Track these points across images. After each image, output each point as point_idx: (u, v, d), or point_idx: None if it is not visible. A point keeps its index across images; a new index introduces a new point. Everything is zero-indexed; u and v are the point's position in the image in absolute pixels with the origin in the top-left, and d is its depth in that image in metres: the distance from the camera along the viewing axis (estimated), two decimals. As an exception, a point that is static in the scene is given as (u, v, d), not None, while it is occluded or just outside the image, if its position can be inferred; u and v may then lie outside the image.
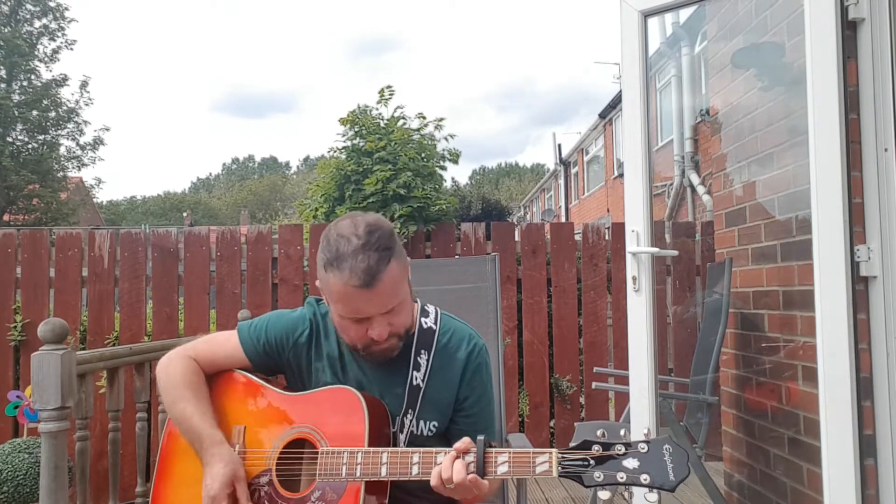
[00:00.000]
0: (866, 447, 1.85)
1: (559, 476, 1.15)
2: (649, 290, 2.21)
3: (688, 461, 1.12)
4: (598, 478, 1.13)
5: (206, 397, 1.43)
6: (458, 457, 1.21)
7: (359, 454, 1.28)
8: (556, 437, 3.99)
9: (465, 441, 1.23)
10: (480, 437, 1.22)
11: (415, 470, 1.25)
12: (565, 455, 1.16)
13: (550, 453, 1.17)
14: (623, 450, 1.13)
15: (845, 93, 1.86)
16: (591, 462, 1.14)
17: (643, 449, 1.13)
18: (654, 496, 1.12)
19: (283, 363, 1.49)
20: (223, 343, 1.50)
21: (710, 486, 2.57)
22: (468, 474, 1.19)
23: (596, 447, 1.15)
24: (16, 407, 2.96)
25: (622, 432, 1.15)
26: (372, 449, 1.29)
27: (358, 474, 1.27)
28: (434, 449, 1.26)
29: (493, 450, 1.21)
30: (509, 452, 1.20)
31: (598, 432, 1.17)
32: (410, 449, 1.28)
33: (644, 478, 1.11)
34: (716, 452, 3.01)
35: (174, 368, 1.44)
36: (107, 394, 2.27)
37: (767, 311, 2.46)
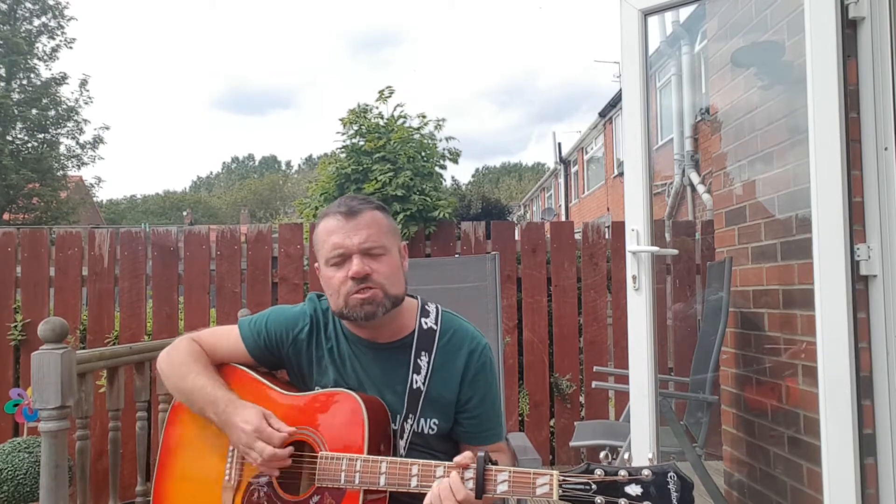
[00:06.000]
0: (866, 446, 1.85)
1: (559, 499, 1.13)
2: (649, 289, 2.21)
3: (692, 490, 1.10)
4: (600, 503, 1.11)
5: (214, 370, 1.44)
6: (459, 477, 1.19)
7: (358, 462, 1.28)
8: (555, 436, 3.99)
9: (465, 456, 1.21)
10: (481, 454, 1.20)
11: (413, 482, 1.24)
12: (567, 478, 1.13)
13: (552, 475, 1.14)
14: (626, 475, 1.11)
15: (845, 91, 1.86)
16: (593, 487, 1.12)
17: (647, 475, 1.10)
18: None
19: (283, 358, 1.49)
20: (225, 335, 1.50)
21: (710, 486, 2.58)
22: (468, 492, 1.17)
23: (598, 472, 1.12)
24: (15, 405, 2.96)
25: (626, 455, 1.13)
26: (371, 457, 1.28)
27: (356, 482, 1.27)
28: (434, 462, 1.25)
29: (494, 468, 1.19)
30: (509, 471, 1.18)
31: (602, 455, 1.15)
32: (409, 460, 1.26)
33: None
34: (716, 451, 3.01)
35: (179, 350, 1.46)
36: (107, 393, 2.27)
37: (767, 310, 2.46)
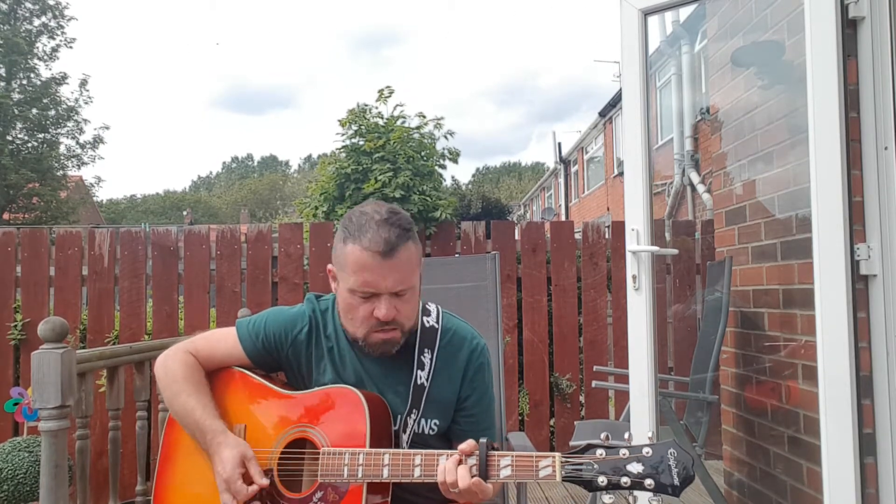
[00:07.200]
0: (866, 446, 1.85)
1: (562, 480, 1.14)
2: (649, 288, 2.21)
3: (692, 465, 1.11)
4: (602, 482, 1.11)
5: (207, 391, 1.43)
6: (461, 460, 1.21)
7: (360, 455, 1.28)
8: (555, 435, 3.99)
9: (468, 443, 1.22)
10: (483, 440, 1.21)
11: (417, 472, 1.25)
12: (569, 459, 1.14)
13: (554, 457, 1.15)
14: (627, 454, 1.12)
15: (845, 91, 1.86)
16: (595, 466, 1.12)
17: (647, 453, 1.11)
18: (658, 501, 1.11)
19: (282, 360, 1.48)
20: (222, 339, 1.49)
21: (710, 485, 2.58)
22: (472, 478, 1.18)
23: (600, 451, 1.13)
24: (15, 404, 2.96)
25: (626, 435, 1.14)
26: (374, 450, 1.28)
27: (359, 475, 1.27)
28: (436, 451, 1.25)
29: (497, 453, 1.20)
30: (512, 456, 1.19)
31: (602, 435, 1.16)
32: (412, 451, 1.27)
33: (648, 483, 1.09)
34: (716, 451, 3.01)
35: (173, 364, 1.44)
36: (107, 392, 2.27)
37: (767, 309, 2.46)
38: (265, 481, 1.30)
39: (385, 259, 1.28)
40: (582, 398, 4.03)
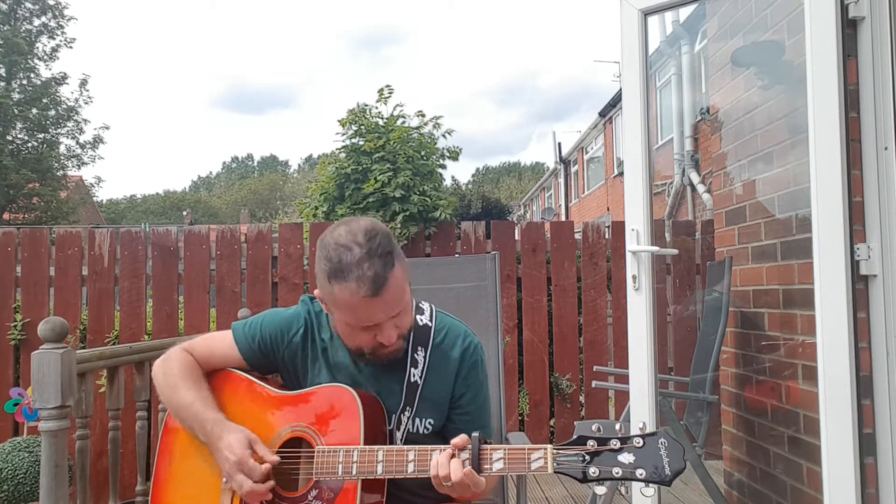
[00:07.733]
0: (866, 446, 1.85)
1: (554, 472, 1.15)
2: (649, 288, 2.21)
3: (683, 455, 1.12)
4: (594, 473, 1.13)
5: (206, 386, 1.43)
6: (453, 454, 1.22)
7: (354, 452, 1.28)
8: (555, 435, 3.99)
9: (460, 437, 1.23)
10: (475, 434, 1.22)
11: (410, 468, 1.26)
12: (560, 451, 1.16)
13: (545, 449, 1.17)
14: (618, 444, 1.13)
15: (845, 91, 1.86)
16: (587, 457, 1.14)
17: (638, 443, 1.13)
18: (650, 490, 1.13)
19: (278, 362, 1.49)
20: (219, 342, 1.50)
21: (710, 485, 2.58)
22: (464, 470, 1.19)
23: (591, 442, 1.15)
24: (15, 404, 2.96)
25: (618, 427, 1.15)
26: (368, 447, 1.29)
27: (354, 473, 1.27)
28: (430, 447, 1.26)
29: (489, 446, 1.22)
30: (504, 449, 1.21)
31: (594, 427, 1.17)
32: (406, 447, 1.28)
33: (640, 472, 1.11)
34: (716, 451, 3.01)
35: (171, 362, 1.45)
36: (107, 392, 2.27)
37: (767, 309, 2.46)
38: (276, 458, 1.31)
39: (376, 297, 1.26)
40: (582, 398, 4.03)
